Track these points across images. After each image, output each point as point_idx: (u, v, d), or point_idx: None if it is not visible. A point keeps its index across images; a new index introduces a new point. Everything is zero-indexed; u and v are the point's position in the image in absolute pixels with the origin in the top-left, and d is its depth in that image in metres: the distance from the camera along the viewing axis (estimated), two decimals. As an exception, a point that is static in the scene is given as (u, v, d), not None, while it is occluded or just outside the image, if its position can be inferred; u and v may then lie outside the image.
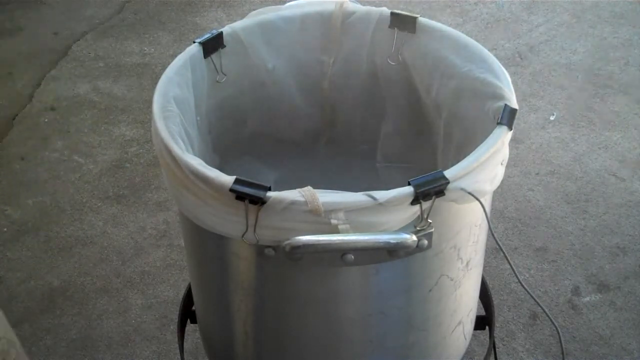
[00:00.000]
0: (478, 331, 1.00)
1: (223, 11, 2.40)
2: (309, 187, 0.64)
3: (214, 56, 0.88)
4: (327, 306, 0.76)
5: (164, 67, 0.83)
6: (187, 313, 1.04)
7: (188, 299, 1.02)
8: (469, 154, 0.69)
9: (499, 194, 1.59)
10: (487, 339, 1.02)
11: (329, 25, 0.94)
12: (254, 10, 0.94)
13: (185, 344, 1.06)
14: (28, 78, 2.12)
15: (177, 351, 1.01)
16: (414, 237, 0.66)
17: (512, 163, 1.68)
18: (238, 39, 0.90)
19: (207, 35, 0.87)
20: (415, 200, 0.64)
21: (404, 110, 0.98)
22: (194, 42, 0.86)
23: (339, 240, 0.64)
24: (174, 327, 1.33)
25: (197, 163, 0.67)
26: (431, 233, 0.68)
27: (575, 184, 1.64)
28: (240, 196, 0.63)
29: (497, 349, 1.17)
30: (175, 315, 1.11)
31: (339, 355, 0.81)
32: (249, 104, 0.97)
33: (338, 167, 1.06)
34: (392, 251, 0.68)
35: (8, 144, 1.85)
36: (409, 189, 0.64)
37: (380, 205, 0.64)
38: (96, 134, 1.87)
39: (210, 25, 2.30)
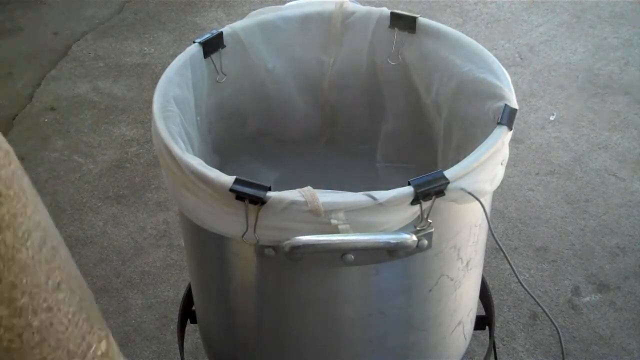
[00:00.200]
0: (478, 331, 1.00)
1: (223, 11, 2.40)
2: (309, 187, 0.64)
3: (214, 56, 0.88)
4: (327, 306, 0.76)
5: (164, 67, 0.83)
6: (187, 313, 1.04)
7: (188, 299, 1.02)
8: (469, 154, 0.69)
9: (499, 194, 1.59)
10: (487, 339, 1.02)
11: (329, 25, 0.94)
12: (254, 10, 0.94)
13: (185, 344, 1.06)
14: (28, 78, 2.12)
15: (177, 351, 1.01)
16: (414, 237, 0.66)
17: (512, 163, 1.68)
18: (238, 39, 0.90)
19: (207, 35, 0.87)
20: (415, 200, 0.64)
21: (404, 110, 0.98)
22: (194, 42, 0.86)
23: (339, 240, 0.64)
24: (174, 327, 1.33)
25: (197, 163, 0.67)
26: (431, 233, 0.68)
27: (575, 184, 1.64)
28: (240, 196, 0.63)
29: (497, 349, 1.17)
30: (175, 315, 1.11)
31: (339, 355, 0.81)
32: (249, 104, 0.97)
33: (338, 167, 1.06)
34: (392, 251, 0.68)
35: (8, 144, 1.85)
36: (409, 189, 0.64)
37: (380, 205, 0.64)
38: (96, 134, 1.87)
39: (210, 25, 2.30)
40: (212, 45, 0.87)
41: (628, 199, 1.59)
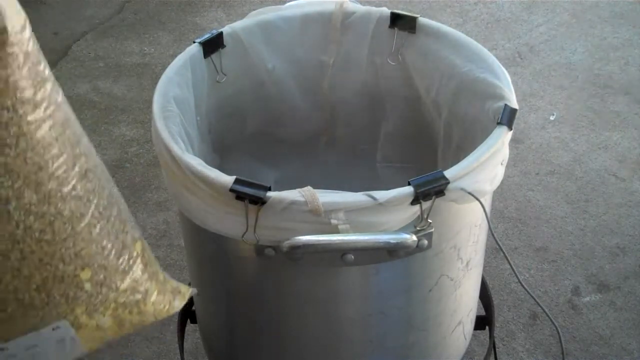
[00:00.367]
0: (478, 331, 1.00)
1: (223, 11, 2.40)
2: (309, 187, 0.64)
3: (214, 56, 0.88)
4: (327, 306, 0.76)
5: (164, 67, 0.83)
6: (187, 313, 1.04)
7: (188, 299, 1.02)
8: (469, 154, 0.69)
9: (499, 194, 1.59)
10: (487, 339, 1.02)
11: (329, 25, 0.94)
12: (254, 10, 0.94)
13: (185, 344, 1.06)
14: (28, 78, 2.11)
15: (177, 351, 1.00)
16: (414, 237, 0.66)
17: (512, 163, 1.68)
18: (238, 39, 0.90)
19: (207, 35, 0.87)
20: (415, 200, 0.64)
21: (404, 110, 0.98)
22: (194, 42, 0.86)
23: (339, 240, 0.64)
24: (174, 327, 1.32)
25: (197, 163, 0.67)
26: (431, 233, 0.68)
27: (575, 184, 1.64)
28: (240, 196, 0.63)
29: (497, 349, 1.17)
30: (175, 315, 1.11)
31: (339, 355, 0.81)
32: (249, 104, 0.97)
33: (338, 167, 1.06)
34: (392, 251, 0.68)
35: (8, 144, 1.85)
36: (409, 189, 0.64)
37: (380, 205, 0.64)
38: (96, 134, 1.87)
39: (210, 25, 2.30)
40: (212, 45, 0.87)
41: (628, 199, 1.59)
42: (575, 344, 1.29)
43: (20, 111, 0.47)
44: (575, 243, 1.49)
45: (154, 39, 2.27)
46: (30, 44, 0.48)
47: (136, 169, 1.74)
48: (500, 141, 0.70)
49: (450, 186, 0.65)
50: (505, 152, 0.73)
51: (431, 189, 0.64)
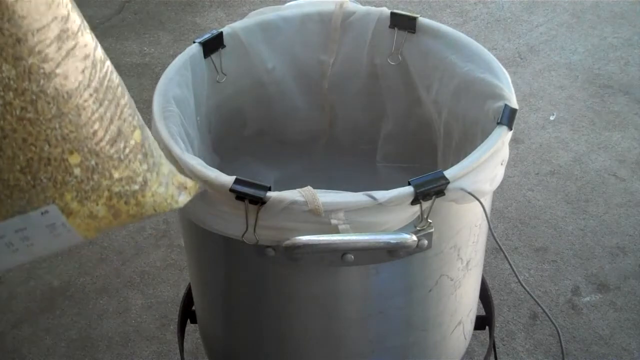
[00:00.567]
0: (478, 331, 1.00)
1: (223, 11, 2.40)
2: (309, 187, 0.64)
3: (214, 56, 0.88)
4: (327, 306, 0.76)
5: (164, 67, 0.83)
6: (187, 313, 1.04)
7: (188, 299, 1.02)
8: (469, 154, 0.69)
9: (499, 194, 1.59)
10: (487, 339, 1.02)
11: (329, 25, 0.94)
12: (254, 10, 0.94)
13: (185, 344, 1.06)
14: (28, 78, 2.12)
15: (177, 351, 1.01)
16: (414, 237, 0.66)
17: (512, 163, 1.68)
18: (238, 39, 0.90)
19: (207, 35, 0.87)
20: (415, 200, 0.64)
21: (404, 110, 0.98)
22: (194, 42, 0.86)
23: (339, 240, 0.64)
24: (174, 327, 1.33)
25: (197, 163, 0.67)
26: (431, 233, 0.68)
27: (575, 184, 1.64)
28: (240, 196, 0.63)
29: (497, 349, 1.17)
30: (175, 315, 1.11)
31: (339, 355, 0.81)
32: (249, 104, 0.97)
33: (338, 167, 1.06)
34: (392, 251, 0.68)
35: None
36: (409, 189, 0.64)
37: (380, 205, 0.64)
38: (96, 134, 1.87)
39: (210, 25, 2.30)
40: (212, 45, 0.87)
41: (628, 199, 1.59)
42: (575, 344, 1.29)
43: None
44: (575, 243, 1.49)
45: (154, 39, 2.27)
46: None
47: (136, 169, 1.74)
48: (500, 141, 0.70)
49: (450, 186, 0.65)
50: (505, 152, 0.73)
51: (431, 189, 0.64)
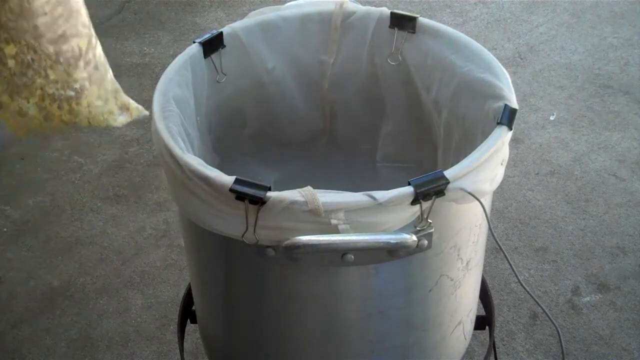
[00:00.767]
0: (478, 331, 1.00)
1: (223, 11, 2.40)
2: (309, 187, 0.64)
3: (214, 56, 0.88)
4: (327, 306, 0.76)
5: (164, 67, 0.83)
6: (187, 313, 1.04)
7: (188, 299, 1.02)
8: (469, 154, 0.69)
9: (499, 194, 1.59)
10: (487, 339, 1.02)
11: (329, 25, 0.94)
12: (254, 10, 0.94)
13: (185, 344, 1.06)
14: (28, 78, 2.11)
15: (177, 351, 1.01)
16: (414, 237, 0.66)
17: (512, 163, 1.68)
18: (238, 39, 0.90)
19: (207, 35, 0.87)
20: (415, 200, 0.64)
21: (404, 110, 0.98)
22: (194, 42, 0.86)
23: (339, 240, 0.64)
24: (174, 327, 1.33)
25: (197, 163, 0.67)
26: (431, 233, 0.68)
27: (575, 184, 1.64)
28: (240, 196, 0.63)
29: (497, 349, 1.17)
30: (175, 315, 1.11)
31: (339, 355, 0.81)
32: (249, 104, 0.97)
33: (338, 167, 1.06)
34: (392, 251, 0.68)
35: (8, 144, 1.85)
36: (409, 189, 0.64)
37: (380, 205, 0.64)
38: (96, 134, 1.87)
39: (210, 25, 2.30)
40: (212, 45, 0.87)
41: (628, 199, 1.59)
42: (575, 344, 1.29)
43: None
44: (575, 243, 1.49)
45: (154, 39, 2.26)
46: None
47: (136, 169, 1.74)
48: (500, 141, 0.70)
49: (450, 186, 0.65)
50: (505, 152, 0.73)
51: (431, 189, 0.64)
